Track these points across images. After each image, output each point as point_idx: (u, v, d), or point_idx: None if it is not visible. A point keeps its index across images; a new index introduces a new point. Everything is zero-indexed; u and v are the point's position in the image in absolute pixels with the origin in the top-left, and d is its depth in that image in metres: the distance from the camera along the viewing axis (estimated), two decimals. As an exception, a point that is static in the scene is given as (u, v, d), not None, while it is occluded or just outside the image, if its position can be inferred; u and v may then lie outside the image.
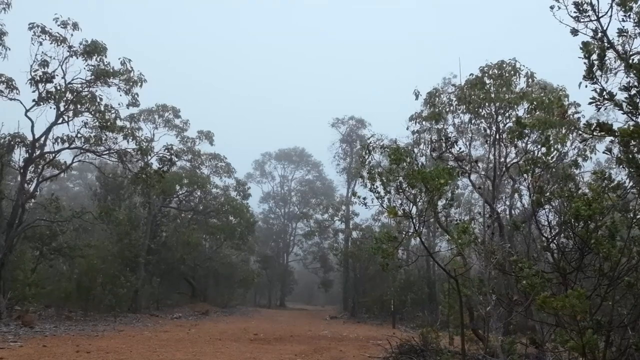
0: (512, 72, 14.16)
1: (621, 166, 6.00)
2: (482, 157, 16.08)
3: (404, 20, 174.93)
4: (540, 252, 7.38)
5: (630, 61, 5.41)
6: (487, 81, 14.14)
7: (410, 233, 10.07)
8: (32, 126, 16.75)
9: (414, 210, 8.45)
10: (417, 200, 8.40)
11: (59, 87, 16.85)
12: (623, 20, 5.60)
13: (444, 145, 13.06)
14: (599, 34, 5.62)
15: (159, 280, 27.05)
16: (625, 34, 5.76)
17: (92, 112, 17.41)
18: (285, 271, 46.97)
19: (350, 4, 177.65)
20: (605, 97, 5.36)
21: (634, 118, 5.29)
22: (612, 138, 5.61)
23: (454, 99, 15.03)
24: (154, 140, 24.66)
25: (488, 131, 14.42)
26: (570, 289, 5.69)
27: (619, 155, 5.59)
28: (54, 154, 17.67)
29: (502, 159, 13.95)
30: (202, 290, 31.60)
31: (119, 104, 18.11)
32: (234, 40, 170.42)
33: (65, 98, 17.06)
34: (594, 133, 5.51)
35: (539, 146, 11.16)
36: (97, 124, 17.46)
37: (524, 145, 12.55)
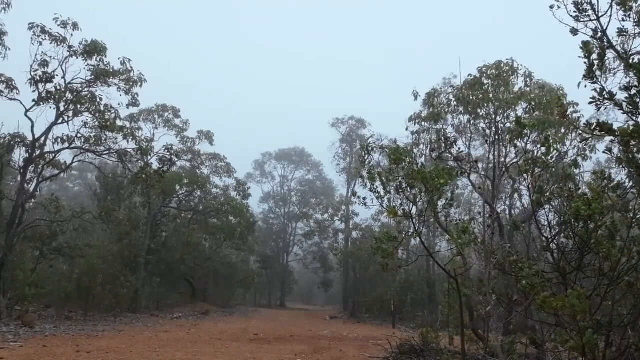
0: (510, 72, 14.16)
1: (621, 166, 5.99)
2: (481, 157, 16.06)
3: (404, 20, 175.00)
4: (540, 252, 7.36)
5: (630, 61, 5.40)
6: (485, 81, 14.13)
7: (410, 233, 10.05)
8: (32, 126, 16.82)
9: (414, 210, 8.43)
10: (417, 200, 8.39)
11: (59, 87, 16.86)
12: (623, 20, 5.60)
13: (443, 145, 13.06)
14: (599, 34, 5.62)
15: (159, 280, 27.04)
16: (625, 33, 5.75)
17: (92, 112, 17.43)
18: (285, 271, 46.93)
19: (350, 4, 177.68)
20: (606, 96, 5.35)
21: (634, 118, 5.29)
22: (612, 138, 5.60)
23: (453, 99, 15.03)
24: (154, 140, 24.73)
25: (487, 131, 14.42)
26: (570, 289, 5.68)
27: (619, 155, 5.58)
28: (54, 154, 17.69)
29: (502, 159, 13.94)
30: (202, 290, 31.61)
31: (119, 104, 18.17)
32: (233, 40, 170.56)
33: (65, 98, 17.07)
34: (594, 133, 5.51)
35: (539, 146, 11.15)
36: (97, 124, 17.48)
37: (523, 145, 12.53)
